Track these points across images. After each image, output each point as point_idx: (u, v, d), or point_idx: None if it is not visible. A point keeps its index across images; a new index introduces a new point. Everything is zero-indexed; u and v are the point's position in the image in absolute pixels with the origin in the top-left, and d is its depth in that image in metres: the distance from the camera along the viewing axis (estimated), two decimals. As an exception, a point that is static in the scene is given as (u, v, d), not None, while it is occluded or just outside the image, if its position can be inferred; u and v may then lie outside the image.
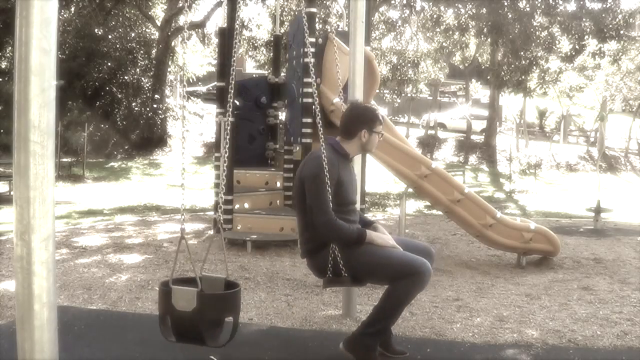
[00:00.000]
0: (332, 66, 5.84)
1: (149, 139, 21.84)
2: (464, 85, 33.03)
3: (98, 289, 4.64)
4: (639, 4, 17.58)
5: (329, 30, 7.73)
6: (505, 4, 14.93)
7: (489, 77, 22.46)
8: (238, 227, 6.61)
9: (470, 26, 17.19)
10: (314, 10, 6.79)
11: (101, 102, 21.91)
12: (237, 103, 7.10)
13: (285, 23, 15.72)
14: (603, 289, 4.96)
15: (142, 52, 23.19)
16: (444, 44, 21.11)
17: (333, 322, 3.94)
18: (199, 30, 23.58)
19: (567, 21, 15.33)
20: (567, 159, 25.96)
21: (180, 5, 21.29)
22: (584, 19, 15.32)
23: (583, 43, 15.96)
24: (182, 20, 22.13)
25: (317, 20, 9.92)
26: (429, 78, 25.77)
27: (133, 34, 23.77)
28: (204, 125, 24.26)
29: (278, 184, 7.39)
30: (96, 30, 22.43)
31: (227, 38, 6.74)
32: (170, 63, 23.58)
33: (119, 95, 22.43)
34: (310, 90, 5.86)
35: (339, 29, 8.04)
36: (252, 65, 24.09)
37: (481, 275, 5.55)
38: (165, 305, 2.57)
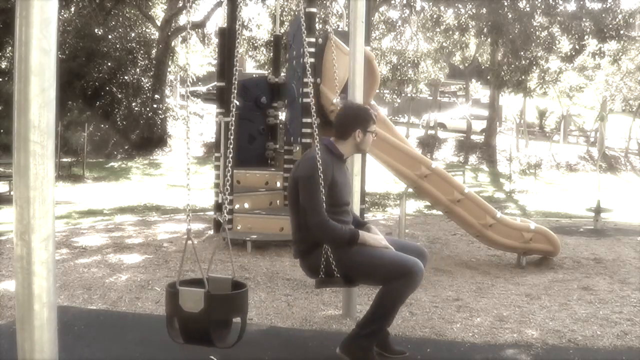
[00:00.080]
0: (332, 66, 5.84)
1: (149, 139, 21.85)
2: (464, 85, 33.03)
3: (98, 289, 4.64)
4: (639, 4, 17.60)
5: (329, 30, 7.72)
6: (505, 4, 14.92)
7: (489, 77, 22.46)
8: (238, 227, 6.62)
9: (470, 26, 17.18)
10: (313, 10, 6.79)
11: (101, 102, 21.92)
12: (237, 103, 7.10)
13: (285, 23, 15.71)
14: (603, 289, 4.97)
15: (142, 52, 23.20)
16: (444, 44, 21.10)
17: (333, 322, 3.95)
18: (199, 30, 23.58)
19: (567, 21, 15.32)
20: (567, 159, 25.96)
21: (181, 5, 21.26)
22: (584, 19, 15.31)
23: (583, 43, 15.96)
24: (183, 20, 22.12)
25: (317, 20, 9.91)
26: (429, 78, 25.74)
27: (133, 34, 23.78)
28: (204, 125, 24.27)
29: (278, 184, 7.39)
30: (96, 30, 22.44)
31: (227, 38, 6.74)
32: (170, 63, 23.58)
33: (119, 95, 22.43)
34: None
35: (339, 29, 8.03)
36: (252, 65, 24.08)
37: (481, 275, 5.54)
38: (172, 307, 2.56)
